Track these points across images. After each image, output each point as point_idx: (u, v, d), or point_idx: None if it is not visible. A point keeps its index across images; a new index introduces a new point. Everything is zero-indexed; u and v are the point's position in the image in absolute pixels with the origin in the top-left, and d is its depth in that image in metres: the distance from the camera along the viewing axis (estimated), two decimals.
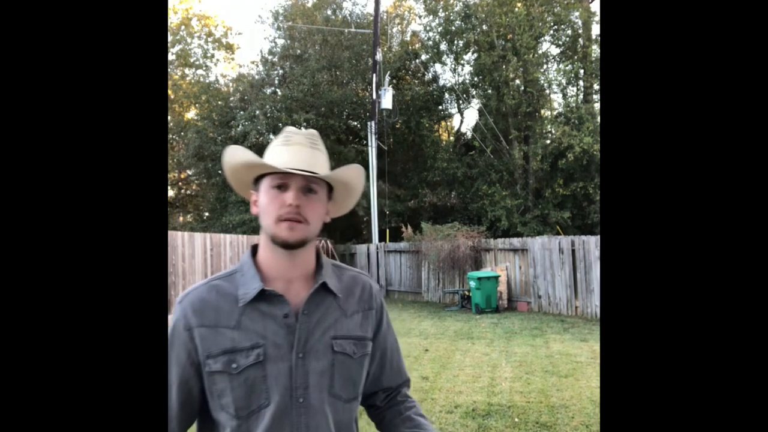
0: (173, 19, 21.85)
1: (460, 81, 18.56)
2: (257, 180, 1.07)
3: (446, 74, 22.70)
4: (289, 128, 1.10)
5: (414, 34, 20.96)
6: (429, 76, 19.86)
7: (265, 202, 1.03)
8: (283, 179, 1.02)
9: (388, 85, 15.34)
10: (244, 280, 1.04)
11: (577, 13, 15.68)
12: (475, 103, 18.43)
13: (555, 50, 17.15)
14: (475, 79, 17.59)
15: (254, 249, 1.11)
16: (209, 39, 22.91)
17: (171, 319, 1.02)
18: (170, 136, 20.81)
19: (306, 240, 1.04)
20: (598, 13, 11.02)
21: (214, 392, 1.00)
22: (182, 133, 21.01)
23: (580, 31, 16.02)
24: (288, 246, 1.02)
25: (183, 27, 22.24)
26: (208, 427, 1.04)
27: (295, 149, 1.04)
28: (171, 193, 22.15)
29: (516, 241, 10.92)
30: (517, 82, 15.83)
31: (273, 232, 1.02)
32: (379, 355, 1.19)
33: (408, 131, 18.61)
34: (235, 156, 1.06)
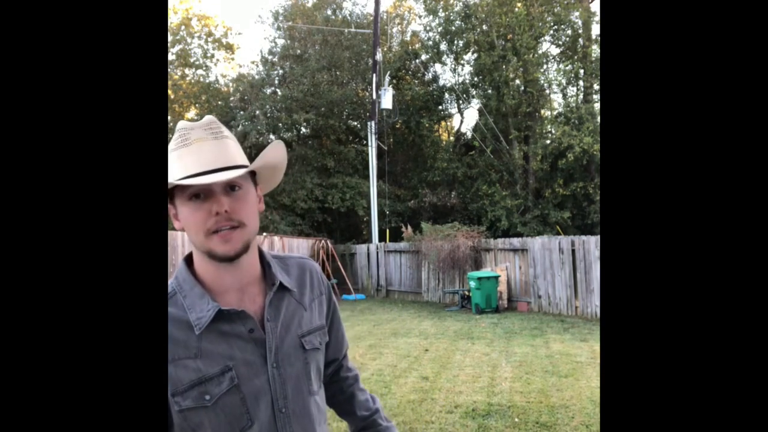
0: (173, 19, 21.85)
1: (460, 81, 18.57)
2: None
3: (446, 74, 22.74)
4: (182, 124, 0.94)
5: (414, 34, 20.98)
6: (429, 76, 19.88)
7: (186, 216, 0.90)
8: (198, 187, 0.89)
9: (388, 85, 15.34)
10: (191, 301, 0.92)
11: (577, 13, 15.70)
12: (475, 103, 18.45)
13: (555, 50, 17.18)
14: (475, 79, 17.61)
15: (188, 260, 0.98)
16: (209, 39, 22.91)
17: None
18: (170, 136, 20.74)
19: (248, 245, 0.93)
20: (598, 13, 11.02)
21: (189, 429, 0.89)
22: None
23: (580, 31, 16.04)
24: (229, 259, 0.91)
25: (183, 27, 22.23)
26: None
27: (197, 147, 0.90)
28: None
29: (516, 241, 10.92)
30: (517, 82, 15.85)
31: (207, 249, 0.90)
32: (329, 331, 1.15)
33: (408, 131, 18.63)
34: None
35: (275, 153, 0.98)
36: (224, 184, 0.89)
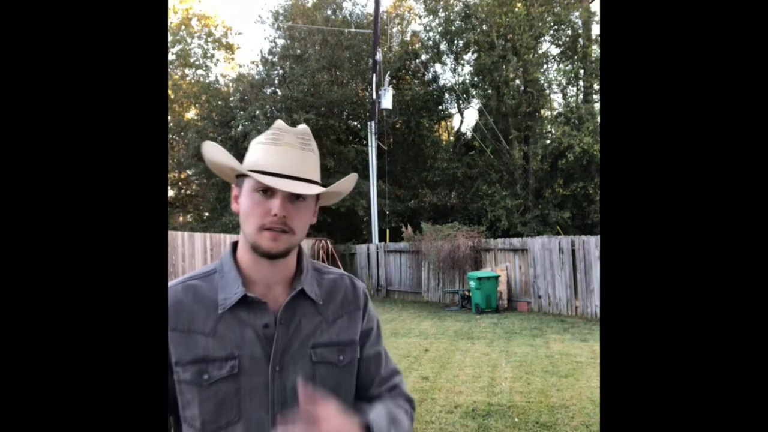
0: (173, 19, 21.85)
1: (460, 81, 18.58)
2: (239, 175, 0.98)
3: (446, 74, 22.77)
4: (280, 124, 0.99)
5: (414, 34, 20.98)
6: (429, 76, 19.87)
7: (247, 206, 0.94)
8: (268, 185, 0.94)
9: (388, 85, 15.33)
10: (225, 282, 0.97)
11: (577, 13, 15.70)
12: (475, 103, 18.46)
13: (555, 50, 17.17)
14: (475, 79, 17.61)
15: (234, 245, 1.03)
16: (209, 39, 22.92)
17: None
18: (170, 136, 20.83)
19: (289, 250, 0.97)
20: (598, 13, 11.02)
21: (180, 402, 0.93)
22: (182, 133, 21.02)
23: (580, 31, 16.03)
24: (270, 257, 0.95)
25: (183, 27, 22.25)
26: None
27: (284, 150, 0.94)
28: (171, 193, 22.16)
29: (516, 241, 10.92)
30: (517, 82, 15.85)
31: (254, 241, 0.94)
32: (372, 354, 1.11)
33: (408, 131, 18.62)
34: (214, 155, 0.96)
35: (348, 186, 1.05)
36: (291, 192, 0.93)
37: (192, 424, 0.92)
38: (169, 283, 0.95)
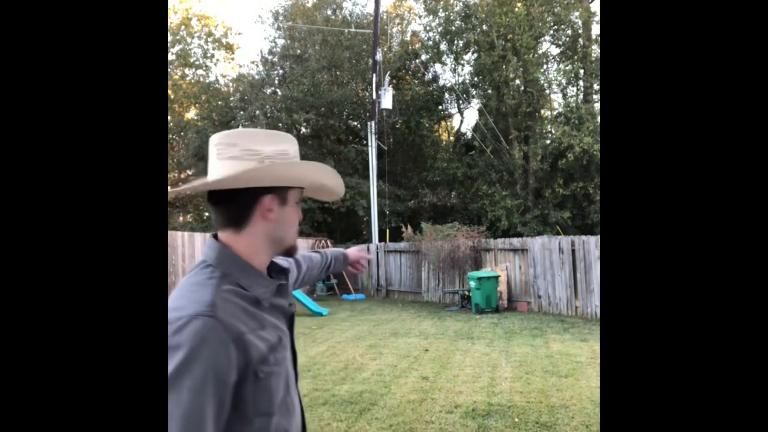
0: (173, 19, 21.86)
1: (460, 81, 18.59)
2: (275, 190, 1.04)
3: (446, 74, 22.78)
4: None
5: (414, 34, 20.99)
6: (429, 76, 19.88)
7: (291, 216, 1.08)
8: (301, 194, 1.11)
9: (388, 85, 15.33)
10: (249, 280, 1.00)
11: (577, 13, 15.70)
12: (475, 103, 18.47)
13: (555, 50, 17.18)
14: (475, 79, 17.62)
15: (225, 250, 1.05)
16: (209, 39, 22.93)
17: (192, 336, 0.82)
18: (170, 136, 20.83)
19: None
20: (598, 13, 11.02)
21: (258, 397, 0.93)
22: (182, 133, 21.03)
23: (580, 31, 16.04)
24: (295, 251, 1.15)
25: (183, 27, 22.25)
26: None
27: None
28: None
29: (516, 241, 10.92)
30: (517, 82, 15.85)
31: (293, 242, 1.11)
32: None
33: (408, 131, 18.63)
34: (322, 176, 1.09)
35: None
36: None
37: (268, 410, 0.96)
38: (206, 296, 0.91)
